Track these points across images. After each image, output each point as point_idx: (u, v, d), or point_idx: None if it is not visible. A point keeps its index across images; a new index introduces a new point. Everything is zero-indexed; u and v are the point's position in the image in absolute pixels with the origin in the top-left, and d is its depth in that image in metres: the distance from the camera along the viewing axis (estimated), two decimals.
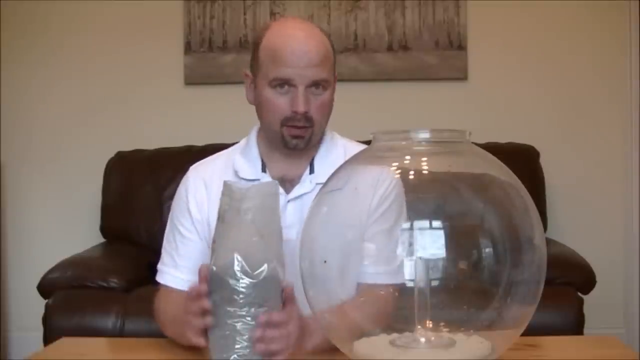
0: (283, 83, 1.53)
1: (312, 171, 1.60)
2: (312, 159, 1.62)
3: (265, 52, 1.56)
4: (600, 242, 3.32)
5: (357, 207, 1.39)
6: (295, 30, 1.57)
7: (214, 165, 1.64)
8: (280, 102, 1.54)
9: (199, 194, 1.61)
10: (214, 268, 1.28)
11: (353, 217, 1.36)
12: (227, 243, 1.28)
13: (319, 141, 1.63)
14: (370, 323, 1.31)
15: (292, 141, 1.56)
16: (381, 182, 1.48)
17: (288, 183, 1.60)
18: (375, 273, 1.34)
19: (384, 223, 1.39)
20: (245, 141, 1.68)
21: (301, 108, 1.53)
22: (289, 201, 1.58)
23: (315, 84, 1.54)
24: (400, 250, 1.21)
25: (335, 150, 1.61)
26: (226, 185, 1.32)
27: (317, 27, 1.61)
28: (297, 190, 1.59)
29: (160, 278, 1.62)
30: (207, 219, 1.59)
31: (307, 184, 1.58)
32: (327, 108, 1.59)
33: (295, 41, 1.54)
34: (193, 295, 1.29)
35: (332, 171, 1.34)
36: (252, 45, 1.62)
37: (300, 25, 1.59)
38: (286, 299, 1.31)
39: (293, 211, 1.56)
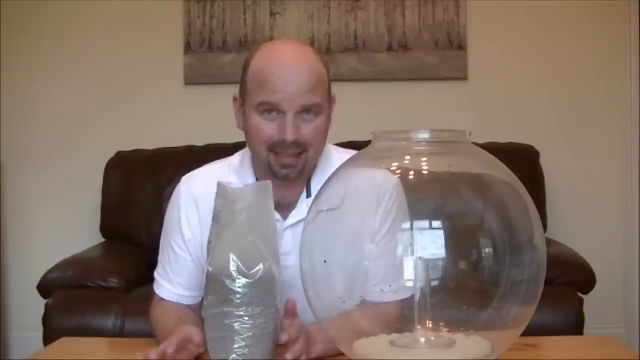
0: (271, 109, 1.44)
1: (308, 195, 1.53)
2: (309, 181, 1.54)
3: (253, 76, 1.47)
4: (600, 242, 3.32)
5: (359, 225, 1.32)
6: (285, 52, 1.47)
7: (206, 181, 1.54)
8: (268, 129, 1.45)
9: (191, 213, 1.56)
10: (210, 269, 1.28)
11: (354, 236, 1.30)
12: (223, 244, 1.28)
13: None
14: (373, 328, 1.30)
15: (281, 171, 1.47)
16: (382, 196, 1.43)
17: (285, 209, 1.53)
18: (381, 292, 1.28)
19: (388, 243, 1.31)
20: (240, 159, 1.60)
21: (290, 137, 1.43)
22: (286, 228, 1.52)
23: (307, 110, 1.45)
24: (406, 265, 1.20)
25: (332, 169, 1.41)
26: (220, 186, 1.32)
27: (310, 49, 1.51)
28: (294, 217, 1.52)
29: (156, 288, 1.62)
30: (200, 240, 1.54)
31: (304, 209, 1.46)
32: (322, 134, 1.49)
33: (285, 65, 1.44)
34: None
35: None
36: (242, 68, 1.52)
37: (291, 48, 1.50)
38: (288, 312, 1.30)
39: (291, 238, 1.50)
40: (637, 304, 3.36)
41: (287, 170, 1.48)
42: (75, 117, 3.45)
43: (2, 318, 3.40)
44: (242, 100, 1.52)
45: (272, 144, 1.46)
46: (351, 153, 1.50)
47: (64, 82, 3.45)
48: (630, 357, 1.46)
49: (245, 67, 1.50)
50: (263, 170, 1.54)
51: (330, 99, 1.52)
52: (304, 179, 1.54)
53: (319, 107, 1.47)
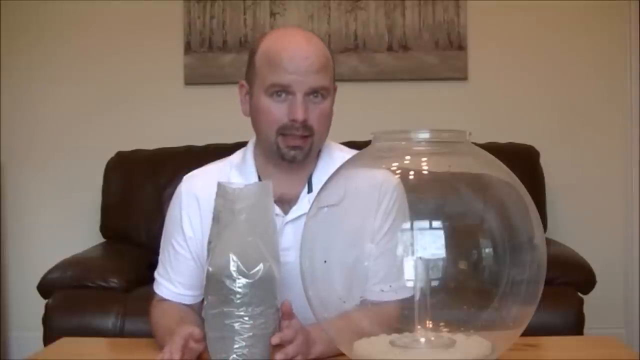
0: (280, 90, 1.47)
1: (310, 190, 1.54)
2: (310, 177, 1.55)
3: (262, 58, 1.50)
4: (600, 242, 3.32)
5: (359, 224, 1.33)
6: (293, 36, 1.51)
7: (207, 179, 1.54)
8: (277, 111, 1.47)
9: (192, 211, 1.56)
10: (210, 269, 1.28)
11: (355, 235, 1.30)
12: (222, 244, 1.28)
13: (317, 156, 1.57)
14: (373, 328, 1.30)
15: (289, 152, 1.49)
16: (382, 196, 1.44)
17: (286, 203, 1.54)
18: (381, 292, 1.28)
19: (388, 242, 1.31)
20: (241, 155, 1.61)
21: (300, 116, 1.45)
22: (286, 223, 1.52)
23: (315, 91, 1.48)
24: (406, 264, 1.20)
25: (334, 165, 1.43)
26: (220, 186, 1.32)
27: (316, 36, 1.55)
28: (295, 212, 1.53)
29: (156, 288, 1.62)
30: (200, 238, 1.54)
31: (305, 204, 1.48)
32: (327, 118, 1.52)
33: (294, 46, 1.48)
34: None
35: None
36: (248, 54, 1.56)
37: (299, 32, 1.54)
38: (285, 313, 1.30)
39: (291, 233, 1.50)
40: (637, 304, 3.36)
41: (294, 151, 1.50)
42: (75, 117, 3.45)
43: (2, 318, 3.40)
44: (249, 85, 1.54)
45: (281, 126, 1.48)
46: (353, 152, 1.52)
47: (64, 82, 3.45)
48: (630, 357, 1.46)
49: (253, 51, 1.53)
50: (268, 156, 1.55)
51: (334, 87, 1.55)
52: (306, 172, 1.55)
53: (326, 90, 1.50)
